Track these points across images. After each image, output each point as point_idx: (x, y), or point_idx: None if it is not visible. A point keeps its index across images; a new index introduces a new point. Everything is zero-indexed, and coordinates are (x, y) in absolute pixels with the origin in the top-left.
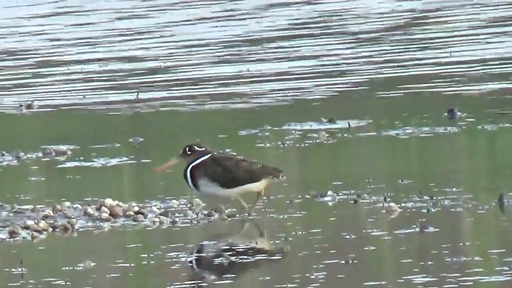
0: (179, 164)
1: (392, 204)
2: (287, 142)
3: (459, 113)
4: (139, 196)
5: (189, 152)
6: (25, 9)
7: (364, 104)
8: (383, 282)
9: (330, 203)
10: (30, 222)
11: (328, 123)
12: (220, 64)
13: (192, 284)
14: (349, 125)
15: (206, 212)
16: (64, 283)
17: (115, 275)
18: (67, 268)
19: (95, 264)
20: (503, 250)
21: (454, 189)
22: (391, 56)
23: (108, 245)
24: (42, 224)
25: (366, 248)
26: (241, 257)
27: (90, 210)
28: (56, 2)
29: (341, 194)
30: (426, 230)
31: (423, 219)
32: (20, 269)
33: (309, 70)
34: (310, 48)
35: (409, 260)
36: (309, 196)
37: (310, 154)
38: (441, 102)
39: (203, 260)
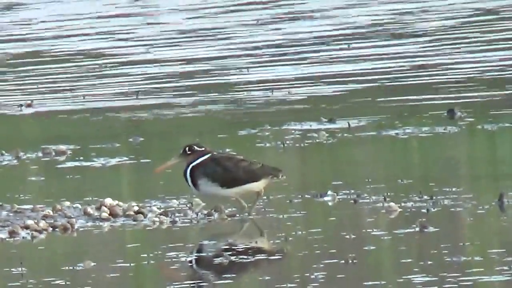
0: (179, 164)
1: (392, 204)
2: (287, 142)
3: (459, 113)
4: (139, 195)
5: (189, 152)
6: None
7: (364, 104)
8: (383, 282)
9: (330, 203)
10: (30, 222)
11: (328, 123)
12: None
13: (192, 284)
14: (349, 125)
15: (206, 212)
16: (64, 283)
17: (115, 275)
18: (67, 268)
19: (95, 264)
20: (503, 250)
21: (454, 189)
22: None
23: (108, 245)
24: (42, 224)
25: (366, 248)
26: (241, 257)
27: (90, 210)
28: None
29: (341, 194)
30: (426, 230)
31: (423, 219)
32: (20, 269)
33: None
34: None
35: (409, 260)
36: (309, 196)
37: (310, 154)
38: (441, 102)
39: (203, 260)
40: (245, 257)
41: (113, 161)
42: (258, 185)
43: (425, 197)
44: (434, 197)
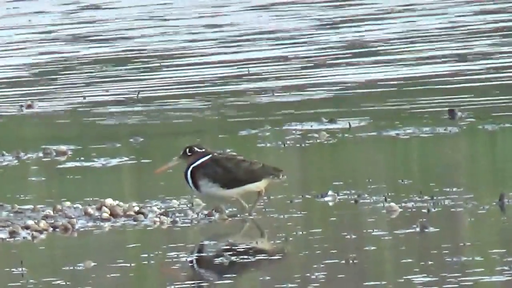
0: (179, 165)
1: (392, 204)
2: (288, 142)
3: (459, 113)
4: (139, 196)
5: (189, 153)
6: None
7: (365, 104)
8: (383, 282)
9: (330, 203)
10: (30, 222)
11: (329, 123)
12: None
13: (192, 284)
14: (349, 125)
15: (206, 212)
16: (64, 283)
17: (115, 275)
18: (67, 268)
19: (95, 264)
20: (504, 250)
21: (454, 189)
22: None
23: (108, 245)
24: (43, 224)
25: (367, 248)
26: (242, 257)
27: (91, 210)
28: None
29: (341, 194)
30: (426, 230)
31: (423, 219)
32: (20, 269)
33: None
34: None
35: (409, 260)
36: (309, 196)
37: (310, 154)
38: (441, 102)
39: (204, 260)
40: (245, 257)
41: (114, 162)
42: (258, 185)
43: (426, 197)
44: (434, 197)
